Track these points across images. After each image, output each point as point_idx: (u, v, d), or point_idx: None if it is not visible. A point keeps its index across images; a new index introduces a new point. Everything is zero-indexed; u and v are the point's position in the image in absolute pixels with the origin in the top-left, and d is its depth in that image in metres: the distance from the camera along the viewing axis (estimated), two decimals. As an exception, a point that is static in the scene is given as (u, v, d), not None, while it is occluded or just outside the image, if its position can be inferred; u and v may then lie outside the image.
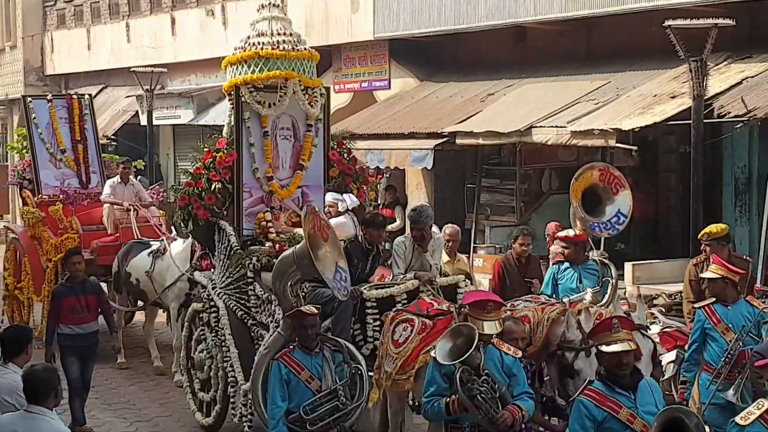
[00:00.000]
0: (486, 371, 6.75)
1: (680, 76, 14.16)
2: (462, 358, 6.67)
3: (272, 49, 9.93)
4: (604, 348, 6.35)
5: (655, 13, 14.26)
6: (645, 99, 14.58)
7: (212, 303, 9.96)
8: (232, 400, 9.67)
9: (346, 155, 10.65)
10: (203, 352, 10.20)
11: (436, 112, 17.94)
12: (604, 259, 9.80)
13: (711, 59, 12.47)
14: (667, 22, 11.62)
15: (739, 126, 13.05)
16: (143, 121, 24.09)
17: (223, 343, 9.77)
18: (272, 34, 10.05)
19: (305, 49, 10.18)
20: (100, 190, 15.26)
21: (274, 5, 10.27)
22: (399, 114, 18.81)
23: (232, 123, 10.20)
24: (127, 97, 27.47)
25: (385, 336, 8.46)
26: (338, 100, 21.89)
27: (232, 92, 10.05)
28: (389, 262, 9.78)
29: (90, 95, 16.84)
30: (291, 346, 7.78)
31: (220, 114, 24.25)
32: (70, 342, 10.50)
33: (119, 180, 14.96)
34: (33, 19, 32.17)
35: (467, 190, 18.22)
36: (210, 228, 10.07)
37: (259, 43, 9.99)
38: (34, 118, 15.75)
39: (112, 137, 26.50)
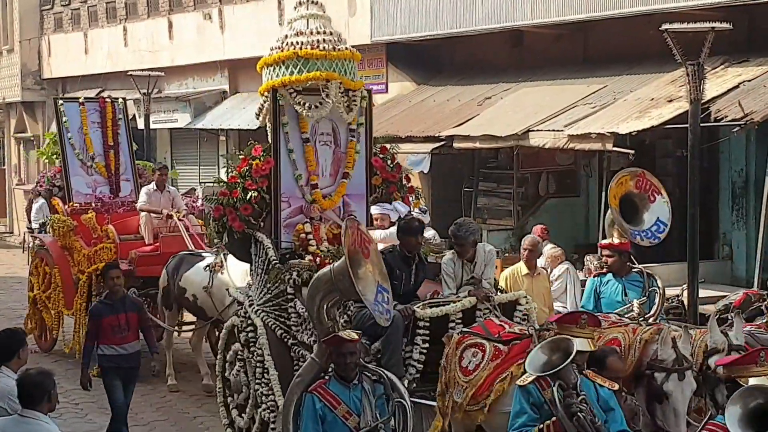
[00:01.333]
0: (584, 393, 6.21)
1: (677, 80, 14.16)
2: (556, 370, 6.16)
3: (311, 48, 9.24)
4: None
5: (652, 17, 14.25)
6: (642, 103, 14.58)
7: (249, 321, 9.24)
8: (272, 427, 8.85)
9: (390, 162, 9.95)
10: (240, 373, 9.46)
11: (434, 116, 17.94)
12: (646, 269, 9.42)
13: (708, 63, 12.46)
14: (664, 26, 11.60)
15: (736, 130, 13.05)
16: (140, 124, 24.02)
17: (261, 364, 9.04)
18: (311, 33, 9.35)
19: (346, 48, 9.47)
20: (133, 198, 14.68)
21: (312, 2, 9.53)
22: (396, 118, 18.80)
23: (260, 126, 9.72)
24: (124, 100, 27.42)
25: (450, 361, 7.73)
26: (335, 104, 21.89)
27: (268, 95, 9.40)
28: (438, 278, 8.99)
29: (124, 98, 16.19)
30: (326, 377, 7.05)
31: (218, 117, 24.26)
32: (112, 363, 9.86)
33: (155, 187, 14.19)
34: (30, 23, 32.15)
35: (464, 193, 18.21)
36: (246, 240, 9.39)
37: (297, 42, 9.29)
38: (65, 121, 15.04)
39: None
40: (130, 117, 26.36)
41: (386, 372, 7.27)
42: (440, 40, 18.90)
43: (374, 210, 9.64)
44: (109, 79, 28.85)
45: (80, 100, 15.29)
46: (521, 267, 10.82)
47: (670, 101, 14.11)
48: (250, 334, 9.17)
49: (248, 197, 9.18)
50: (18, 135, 33.25)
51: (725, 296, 12.01)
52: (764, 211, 13.07)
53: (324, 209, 9.45)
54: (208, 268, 12.11)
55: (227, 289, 11.14)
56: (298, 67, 9.21)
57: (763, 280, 12.38)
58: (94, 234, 13.94)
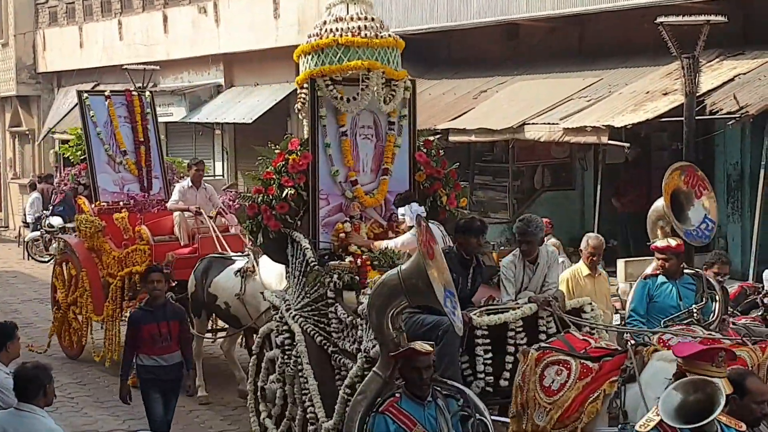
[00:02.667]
0: None
1: (672, 73, 14.17)
2: (701, 424, 5.08)
3: (352, 35, 8.56)
4: None
5: (648, 10, 14.26)
6: (637, 96, 14.58)
7: (286, 326, 8.66)
8: None
9: (434, 156, 9.24)
10: (276, 382, 8.89)
11: (429, 109, 17.92)
12: (699, 271, 8.88)
13: (703, 56, 12.46)
14: (660, 19, 11.61)
15: (731, 123, 13.06)
16: (135, 118, 24.06)
17: (300, 373, 8.44)
18: (351, 19, 8.66)
19: (389, 35, 8.78)
20: (163, 197, 13.91)
21: None
22: (392, 111, 18.77)
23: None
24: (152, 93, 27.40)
25: (528, 380, 7.05)
26: (331, 98, 21.90)
27: (306, 86, 8.76)
28: (493, 281, 8.48)
29: (151, 92, 15.28)
30: (396, 394, 6.40)
31: (213, 111, 24.25)
32: (152, 375, 9.19)
33: (190, 184, 13.14)
34: (25, 17, 32.11)
35: (460, 187, 18.22)
36: (282, 241, 8.76)
37: (337, 29, 8.62)
38: (93, 116, 14.07)
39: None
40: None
41: (464, 388, 6.78)
42: (436, 34, 18.89)
43: (401, 211, 8.84)
44: (104, 73, 28.81)
45: (106, 93, 14.44)
46: (582, 268, 10.13)
47: (666, 94, 14.12)
48: (286, 341, 8.65)
49: (284, 194, 8.59)
50: (13, 129, 33.22)
51: (720, 289, 12.08)
52: (759, 203, 13.10)
53: (365, 207, 8.87)
54: (239, 273, 11.35)
55: (262, 293, 10.24)
56: (338, 55, 8.57)
57: (758, 273, 12.40)
58: (125, 235, 13.15)
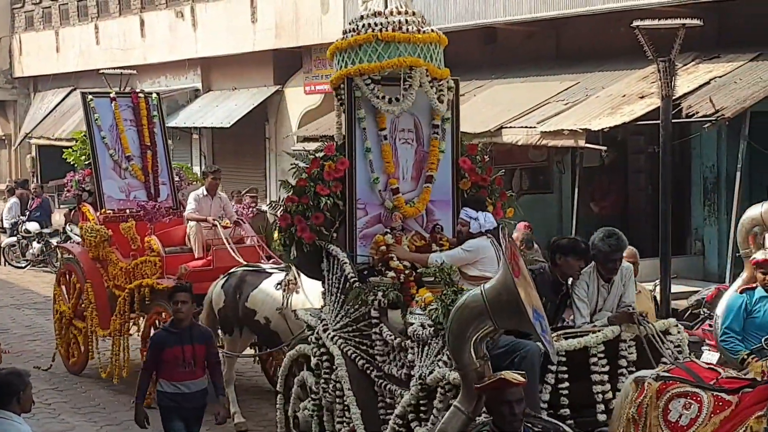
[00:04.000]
0: None
1: (649, 77, 14.22)
2: None
3: (393, 31, 7.87)
4: None
5: (624, 14, 14.32)
6: (614, 99, 14.64)
7: (324, 349, 7.98)
8: None
9: (479, 162, 8.51)
10: (311, 410, 8.25)
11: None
12: None
13: (679, 59, 12.51)
14: (635, 23, 11.65)
15: (707, 126, 13.13)
16: (113, 123, 23.96)
17: (340, 401, 7.74)
18: (391, 13, 7.98)
19: (431, 30, 8.11)
20: (170, 204, 13.13)
21: None
22: (370, 115, 18.78)
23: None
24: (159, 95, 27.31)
25: (648, 414, 6.25)
26: (309, 102, 21.93)
27: (342, 86, 8.07)
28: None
29: (158, 94, 14.28)
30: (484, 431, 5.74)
31: (190, 116, 24.21)
32: (173, 403, 8.42)
33: (205, 192, 12.32)
34: (1, 21, 31.99)
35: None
36: (316, 254, 8.09)
37: (375, 24, 7.91)
38: (97, 119, 13.22)
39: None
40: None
41: (560, 424, 6.16)
42: (413, 38, 18.88)
43: (461, 215, 8.16)
44: (81, 78, 28.72)
45: (111, 95, 13.56)
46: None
47: (642, 98, 14.18)
48: (324, 364, 7.96)
49: (320, 204, 7.94)
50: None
51: (697, 291, 12.15)
52: (735, 206, 13.17)
53: (406, 217, 8.16)
54: (279, 286, 10.55)
55: (294, 311, 9.55)
56: (377, 52, 7.87)
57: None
58: (133, 245, 12.37)
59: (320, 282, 8.35)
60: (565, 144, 14.53)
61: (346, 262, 7.78)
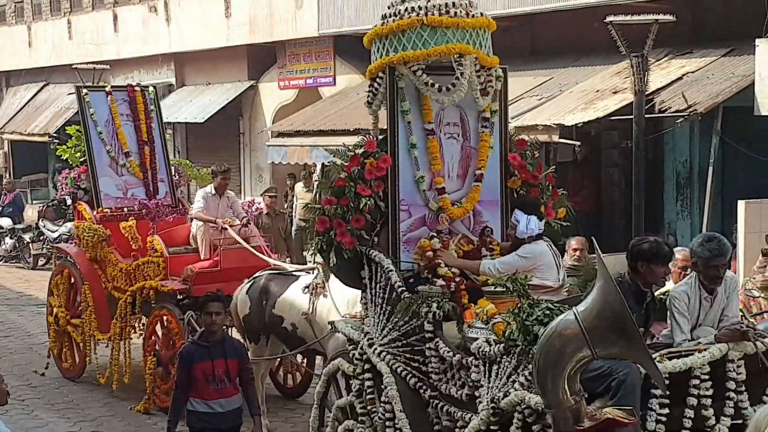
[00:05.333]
0: None
1: (622, 72, 14.30)
2: None
3: (439, 15, 7.20)
4: None
5: (598, 10, 14.38)
6: (587, 94, 14.70)
7: (369, 365, 7.30)
8: None
9: (529, 158, 7.83)
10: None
11: (382, 108, 17.92)
12: None
13: (652, 55, 12.60)
14: (609, 18, 11.71)
15: (680, 121, 13.22)
16: (86, 118, 23.84)
17: (391, 423, 7.04)
18: None
19: (480, 14, 7.45)
20: (169, 202, 12.55)
21: None
22: (344, 110, 18.79)
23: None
24: (69, 94, 27.14)
25: None
26: (283, 97, 21.89)
27: (381, 75, 7.45)
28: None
29: (155, 87, 13.82)
30: None
31: (164, 111, 24.03)
32: (205, 424, 7.68)
33: (213, 191, 11.76)
34: (-28, 16, 31.73)
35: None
36: (356, 261, 7.42)
37: (420, 7, 7.24)
38: (92, 113, 12.60)
39: (54, 135, 26.23)
40: (74, 112, 26.23)
41: None
42: (388, 33, 18.89)
43: (521, 219, 7.43)
44: (54, 73, 28.55)
45: (107, 89, 12.99)
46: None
47: (616, 93, 14.25)
48: (367, 383, 7.30)
49: (361, 206, 7.29)
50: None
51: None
52: (708, 200, 13.27)
53: (453, 219, 7.51)
54: (307, 289, 9.86)
55: (331, 324, 8.58)
56: (423, 38, 7.20)
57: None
58: (134, 245, 11.81)
59: (358, 289, 7.75)
60: (539, 139, 14.54)
61: (392, 270, 7.13)
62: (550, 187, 7.81)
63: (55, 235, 22.13)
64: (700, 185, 14.15)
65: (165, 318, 10.87)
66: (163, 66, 24.87)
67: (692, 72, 14.01)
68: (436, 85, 7.20)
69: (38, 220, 22.14)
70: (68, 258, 12.56)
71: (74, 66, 21.53)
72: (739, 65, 13.78)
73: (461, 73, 7.18)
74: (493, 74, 7.48)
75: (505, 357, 6.08)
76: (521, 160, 7.72)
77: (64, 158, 14.68)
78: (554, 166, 7.95)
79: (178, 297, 11.10)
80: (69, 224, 22.43)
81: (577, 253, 9.65)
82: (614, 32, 11.60)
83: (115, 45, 26.06)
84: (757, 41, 13.12)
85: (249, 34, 21.91)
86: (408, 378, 6.98)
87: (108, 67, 22.37)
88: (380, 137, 7.50)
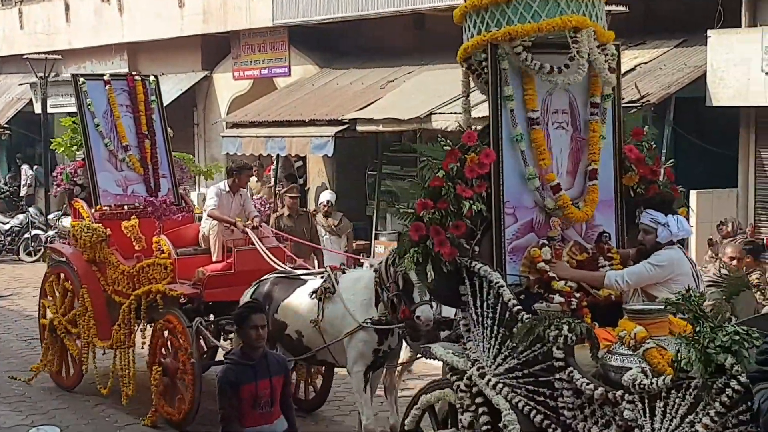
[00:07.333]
0: None
1: (576, 63, 14.35)
2: None
3: None
4: None
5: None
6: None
7: (480, 399, 6.26)
8: None
9: (647, 150, 6.85)
10: None
11: (337, 99, 17.91)
12: None
13: (605, 46, 12.66)
14: (563, 9, 11.75)
15: (632, 111, 13.29)
16: (37, 109, 23.61)
17: None
18: None
19: None
20: (172, 199, 11.77)
21: None
22: (299, 101, 18.74)
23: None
24: (21, 84, 26.88)
25: None
26: (238, 87, 21.77)
27: (483, 54, 6.49)
28: None
29: (156, 76, 12.61)
30: None
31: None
32: None
33: (227, 188, 10.94)
34: None
35: (368, 176, 18.27)
36: (456, 273, 6.44)
37: None
38: (90, 104, 11.75)
39: (5, 126, 25.92)
40: (26, 102, 26.00)
41: None
42: (343, 24, 18.86)
43: (643, 219, 6.64)
44: (5, 63, 28.20)
45: (105, 78, 12.12)
46: None
47: (569, 84, 14.30)
48: (482, 418, 6.23)
49: (463, 210, 6.30)
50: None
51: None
52: (661, 191, 13.36)
53: (570, 223, 6.57)
54: (314, 294, 9.08)
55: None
56: (532, 10, 6.24)
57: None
58: (137, 246, 10.97)
59: (369, 287, 7.16)
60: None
61: (503, 286, 6.14)
62: (669, 184, 6.88)
63: (7, 227, 21.89)
64: (653, 175, 14.24)
65: (172, 325, 10.07)
66: (115, 56, 24.63)
67: (645, 63, 14.10)
68: (547, 66, 6.26)
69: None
70: (63, 259, 11.65)
71: (25, 56, 21.29)
72: (691, 56, 13.90)
73: (578, 51, 6.19)
74: (609, 51, 6.51)
75: (673, 392, 5.10)
76: (639, 153, 6.76)
77: (59, 152, 14.05)
78: (673, 160, 7.01)
79: (180, 301, 10.24)
80: (21, 216, 22.25)
81: (734, 262, 8.49)
82: (568, 23, 11.64)
83: (67, 35, 25.77)
84: (709, 32, 13.24)
85: (203, 23, 21.76)
86: (533, 415, 5.96)
87: (60, 57, 22.16)
88: (467, 128, 6.61)
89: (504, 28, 6.27)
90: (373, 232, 17.35)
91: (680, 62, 13.86)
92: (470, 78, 6.74)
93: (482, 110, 7.29)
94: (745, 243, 9.71)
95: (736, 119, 13.58)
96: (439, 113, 15.31)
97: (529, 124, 6.46)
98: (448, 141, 6.50)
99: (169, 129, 12.32)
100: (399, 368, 9.49)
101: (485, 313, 6.27)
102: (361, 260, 12.40)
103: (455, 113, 15.12)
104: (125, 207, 11.56)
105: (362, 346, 8.54)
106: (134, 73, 12.43)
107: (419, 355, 8.44)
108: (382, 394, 9.40)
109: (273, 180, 18.22)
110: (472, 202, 6.28)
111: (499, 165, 6.39)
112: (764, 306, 7.50)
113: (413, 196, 6.49)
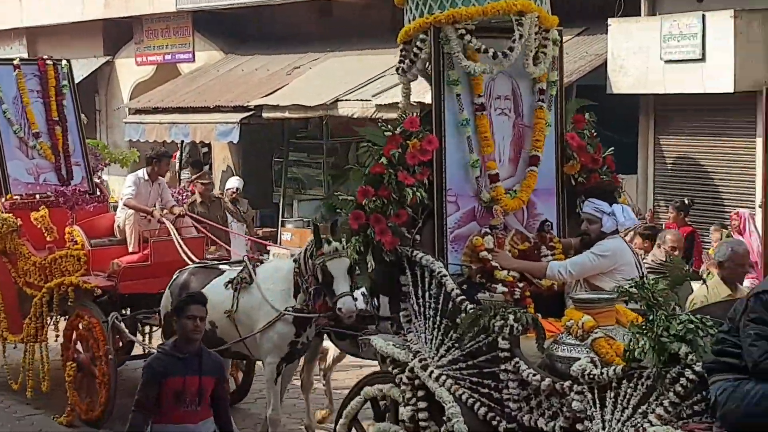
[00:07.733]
0: None
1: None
2: None
3: None
4: None
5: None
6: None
7: (423, 392, 6.11)
8: None
9: (588, 138, 6.74)
10: None
11: (242, 85, 17.81)
12: None
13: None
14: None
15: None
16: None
17: None
18: None
19: None
20: (86, 188, 11.28)
21: None
22: (204, 87, 18.58)
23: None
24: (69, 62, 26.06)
25: None
26: (141, 73, 21.49)
27: (421, 38, 6.32)
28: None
29: (69, 60, 12.00)
30: None
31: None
32: None
33: (146, 176, 10.65)
34: None
35: (275, 163, 18.22)
36: (395, 264, 6.27)
37: None
38: None
39: None
40: None
41: None
42: (247, 9, 18.73)
43: (586, 209, 6.46)
44: None
45: (15, 62, 11.55)
46: (719, 288, 7.12)
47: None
48: (421, 414, 6.11)
49: (405, 198, 6.14)
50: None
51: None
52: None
53: (507, 212, 6.43)
54: (230, 284, 8.82)
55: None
56: None
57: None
58: (49, 236, 10.49)
59: (287, 277, 7.14)
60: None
61: (445, 275, 6.00)
62: (610, 173, 6.79)
63: None
64: (556, 162, 14.48)
65: (86, 319, 9.80)
66: (14, 41, 24.09)
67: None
68: (491, 51, 6.08)
69: None
70: None
71: None
72: (592, 44, 14.13)
73: (520, 36, 6.04)
74: (550, 37, 6.43)
75: (624, 382, 4.99)
76: (580, 140, 6.67)
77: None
78: (612, 148, 6.92)
79: (95, 294, 9.89)
80: None
81: (676, 252, 8.39)
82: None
83: (-38, 19, 25.10)
84: (610, 21, 13.48)
85: (104, 8, 21.40)
86: (477, 407, 5.82)
87: (-45, 41, 21.58)
88: (404, 114, 6.45)
89: (448, 10, 6.11)
90: (280, 219, 17.31)
91: (582, 50, 14.09)
92: (407, 62, 6.57)
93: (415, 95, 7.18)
94: (645, 228, 9.95)
95: (635, 107, 13.86)
96: (345, 100, 15.34)
97: (474, 110, 6.35)
98: (389, 126, 6.32)
99: (83, 115, 12.00)
100: (329, 362, 9.44)
101: (427, 304, 6.13)
102: (268, 247, 12.34)
103: (361, 100, 15.18)
104: (37, 196, 11.08)
105: (277, 338, 8.37)
106: (46, 57, 11.95)
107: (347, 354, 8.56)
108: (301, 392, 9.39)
109: (177, 166, 18.05)
110: (414, 189, 6.14)
111: (442, 152, 6.27)
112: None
113: (354, 184, 6.33)
